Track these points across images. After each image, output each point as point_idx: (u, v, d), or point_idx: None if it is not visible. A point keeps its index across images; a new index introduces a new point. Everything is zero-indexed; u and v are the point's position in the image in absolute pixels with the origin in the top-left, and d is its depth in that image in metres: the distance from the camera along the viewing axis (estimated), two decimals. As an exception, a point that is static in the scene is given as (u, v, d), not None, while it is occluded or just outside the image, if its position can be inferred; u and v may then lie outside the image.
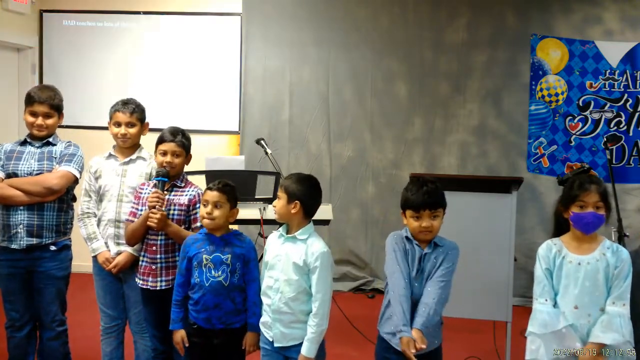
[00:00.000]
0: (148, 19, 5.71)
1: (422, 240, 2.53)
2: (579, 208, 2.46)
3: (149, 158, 3.15)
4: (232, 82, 5.66)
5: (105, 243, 3.07)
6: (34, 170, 3.04)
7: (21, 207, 3.01)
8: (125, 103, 3.11)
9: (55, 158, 3.10)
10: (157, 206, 2.79)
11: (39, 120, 3.08)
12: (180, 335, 2.71)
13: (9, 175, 3.04)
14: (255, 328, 2.67)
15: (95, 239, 3.08)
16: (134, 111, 3.09)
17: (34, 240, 3.03)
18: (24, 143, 3.13)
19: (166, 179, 2.86)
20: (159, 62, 5.71)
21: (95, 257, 3.09)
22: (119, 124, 3.08)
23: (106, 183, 3.08)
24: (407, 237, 2.56)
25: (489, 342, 3.79)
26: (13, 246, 3.02)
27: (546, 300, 2.46)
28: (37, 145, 3.12)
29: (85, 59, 5.76)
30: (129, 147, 3.12)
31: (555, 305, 2.46)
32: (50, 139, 3.14)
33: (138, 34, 5.73)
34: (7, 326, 3.15)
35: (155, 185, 2.87)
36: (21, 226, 3.01)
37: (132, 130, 3.09)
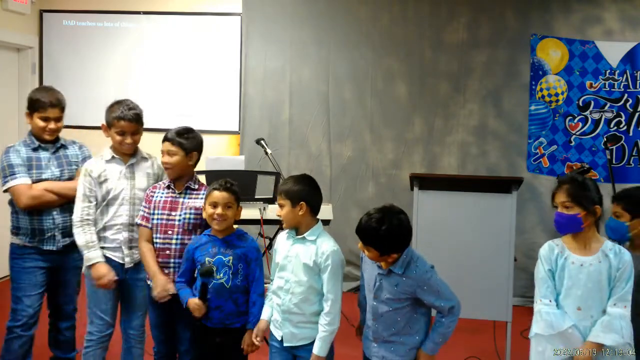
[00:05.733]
0: (148, 19, 5.71)
1: None
2: (555, 208, 2.49)
3: (149, 157, 3.13)
4: (232, 82, 5.66)
5: (118, 247, 2.98)
6: (57, 177, 3.11)
7: (55, 211, 3.07)
8: (129, 109, 2.96)
9: (74, 162, 3.18)
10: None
11: (52, 125, 3.09)
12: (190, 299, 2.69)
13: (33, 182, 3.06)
14: (253, 327, 2.67)
15: (93, 248, 2.93)
16: (139, 119, 2.99)
17: (68, 240, 3.11)
18: (36, 149, 3.11)
19: (210, 280, 2.63)
20: (159, 62, 5.71)
21: (89, 267, 2.97)
22: (123, 133, 2.95)
23: (115, 187, 2.97)
24: None
25: (489, 342, 3.79)
26: (47, 247, 3.08)
27: (550, 301, 2.45)
28: (50, 149, 3.14)
29: (85, 59, 5.77)
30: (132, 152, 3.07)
31: (558, 306, 2.46)
32: (61, 141, 3.19)
33: (138, 34, 5.73)
34: (18, 325, 3.09)
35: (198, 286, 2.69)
36: (57, 229, 3.08)
37: (137, 137, 3.02)
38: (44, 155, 3.11)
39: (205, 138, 5.47)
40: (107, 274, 2.91)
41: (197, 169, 3.71)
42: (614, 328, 2.33)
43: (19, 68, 5.68)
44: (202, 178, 3.78)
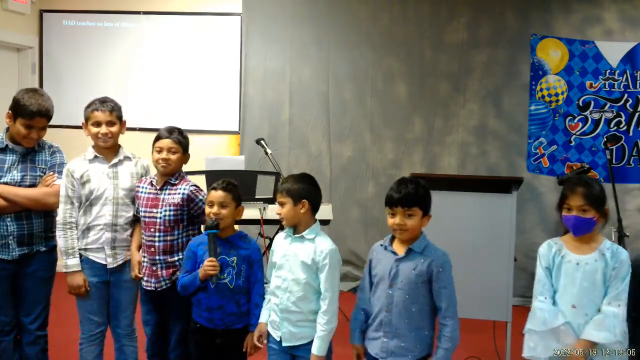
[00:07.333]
0: (148, 19, 5.71)
1: (401, 241, 2.47)
2: (566, 210, 2.47)
3: (133, 157, 3.08)
4: (232, 82, 5.65)
5: (101, 248, 2.95)
6: (17, 182, 2.90)
7: (9, 218, 2.88)
8: (103, 102, 2.97)
9: (40, 168, 2.98)
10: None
11: (34, 134, 2.90)
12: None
13: None
14: (255, 329, 2.67)
15: (73, 256, 2.92)
16: (113, 109, 2.96)
17: (26, 250, 2.94)
18: (3, 149, 2.93)
19: (217, 231, 2.65)
20: (159, 62, 5.71)
21: (67, 273, 2.94)
22: (98, 124, 2.94)
23: (97, 187, 2.93)
24: (381, 244, 2.54)
25: (489, 342, 3.79)
26: (1, 257, 2.90)
27: (545, 298, 2.48)
28: (19, 151, 2.94)
29: (85, 59, 5.76)
30: (109, 147, 2.99)
31: (554, 303, 2.48)
32: (35, 144, 2.99)
33: (138, 34, 5.73)
34: None
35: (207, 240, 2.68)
36: (11, 237, 2.89)
37: (113, 129, 2.95)
38: (10, 157, 2.92)
39: (205, 138, 5.60)
40: (82, 285, 2.94)
41: (196, 168, 3.75)
42: (606, 326, 2.35)
43: (19, 68, 5.67)
44: (202, 178, 3.78)
